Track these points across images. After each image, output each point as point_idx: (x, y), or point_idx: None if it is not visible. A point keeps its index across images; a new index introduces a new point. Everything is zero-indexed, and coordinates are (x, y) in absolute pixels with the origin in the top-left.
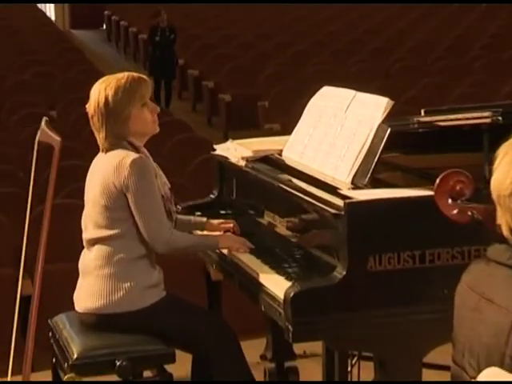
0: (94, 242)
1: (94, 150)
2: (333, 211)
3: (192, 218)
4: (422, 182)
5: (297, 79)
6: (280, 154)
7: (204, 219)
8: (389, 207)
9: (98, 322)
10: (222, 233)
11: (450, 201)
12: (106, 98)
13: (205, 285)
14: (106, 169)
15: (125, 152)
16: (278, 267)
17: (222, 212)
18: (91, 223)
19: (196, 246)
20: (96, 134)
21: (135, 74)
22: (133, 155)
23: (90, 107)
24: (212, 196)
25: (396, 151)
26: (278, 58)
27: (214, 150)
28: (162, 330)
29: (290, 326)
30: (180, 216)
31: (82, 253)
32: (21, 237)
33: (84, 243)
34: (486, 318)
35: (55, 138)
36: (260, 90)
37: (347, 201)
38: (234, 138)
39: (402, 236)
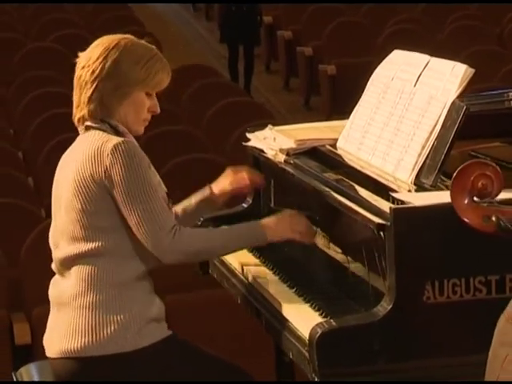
0: (70, 262)
1: None
2: (377, 221)
3: (188, 201)
4: None
5: (431, 42)
6: (335, 146)
7: (206, 190)
8: (454, 215)
9: (76, 370)
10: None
11: (466, 200)
12: (119, 58)
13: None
14: (80, 158)
15: (106, 136)
16: (313, 299)
17: None
18: (64, 238)
19: (227, 244)
20: (76, 91)
21: (164, 58)
22: (116, 139)
23: (86, 58)
24: (244, 205)
25: (495, 140)
26: (405, 11)
27: (248, 139)
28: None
29: (316, 378)
30: (176, 208)
31: (52, 281)
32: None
33: (54, 267)
34: None
35: None
36: (376, 57)
37: (393, 206)
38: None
39: (472, 255)
